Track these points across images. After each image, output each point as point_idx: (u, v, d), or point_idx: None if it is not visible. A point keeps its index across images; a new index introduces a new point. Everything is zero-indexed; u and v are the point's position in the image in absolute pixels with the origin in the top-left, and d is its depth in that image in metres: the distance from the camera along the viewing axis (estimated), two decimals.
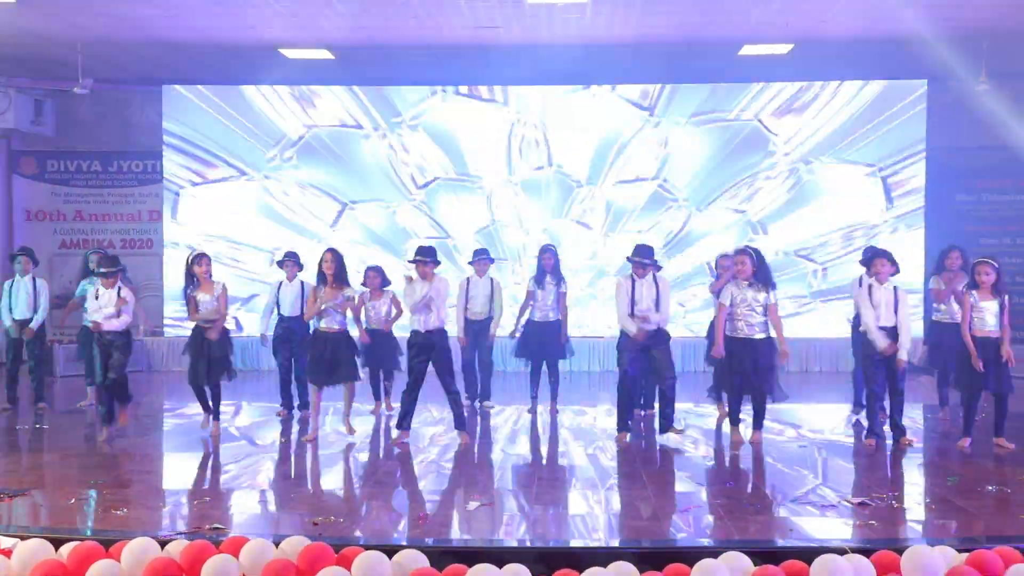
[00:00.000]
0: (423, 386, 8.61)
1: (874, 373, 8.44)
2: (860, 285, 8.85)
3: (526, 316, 10.43)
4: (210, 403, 8.97)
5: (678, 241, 14.67)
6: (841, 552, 4.81)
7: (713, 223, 14.66)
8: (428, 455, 8.25)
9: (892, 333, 8.36)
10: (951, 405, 9.72)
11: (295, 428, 9.46)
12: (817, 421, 10.20)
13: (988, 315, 8.12)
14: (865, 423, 8.75)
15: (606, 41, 12.20)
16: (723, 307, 8.45)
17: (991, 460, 7.89)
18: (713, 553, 4.86)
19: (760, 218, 14.67)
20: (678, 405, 8.78)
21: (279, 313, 10.16)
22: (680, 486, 7.35)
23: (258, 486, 7.18)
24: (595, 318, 14.38)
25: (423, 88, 14.61)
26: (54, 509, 6.40)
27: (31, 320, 10.36)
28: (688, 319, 14.34)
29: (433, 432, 9.05)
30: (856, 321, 9.56)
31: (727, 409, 9.14)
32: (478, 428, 9.56)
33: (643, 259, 8.57)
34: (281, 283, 10.22)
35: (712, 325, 9.82)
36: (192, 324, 9.04)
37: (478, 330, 10.42)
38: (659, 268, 8.78)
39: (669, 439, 8.57)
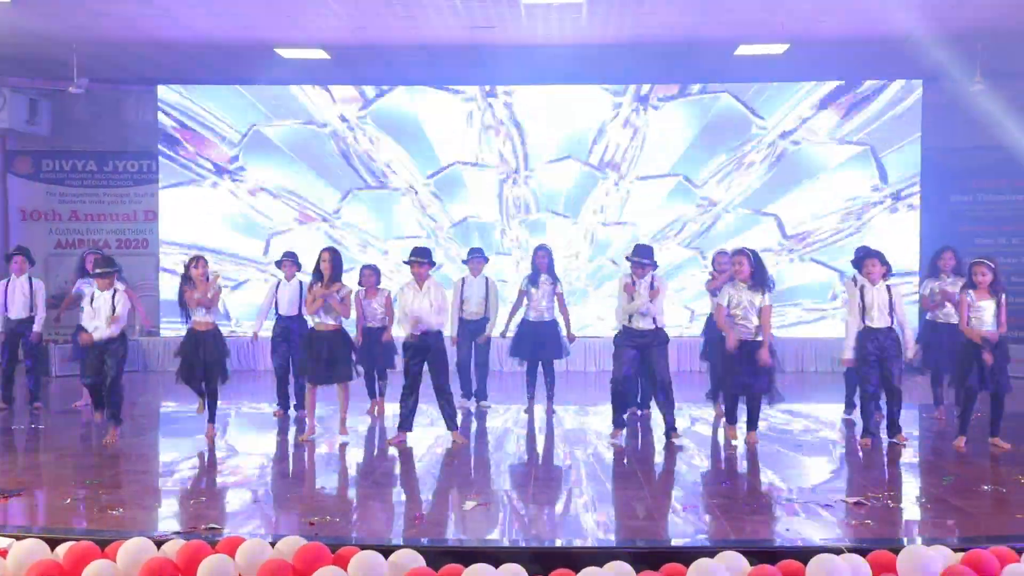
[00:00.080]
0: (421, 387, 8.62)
1: (868, 373, 8.45)
2: (855, 285, 8.85)
3: (519, 316, 10.44)
4: (206, 405, 8.94)
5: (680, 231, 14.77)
6: (837, 552, 4.81)
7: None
8: (424, 455, 8.25)
9: (887, 334, 8.38)
10: (946, 404, 9.74)
11: (291, 428, 9.46)
12: (813, 421, 10.21)
13: (985, 315, 8.12)
14: (859, 421, 8.77)
15: (601, 41, 12.21)
16: (721, 308, 8.46)
17: (987, 460, 7.90)
18: (709, 553, 4.85)
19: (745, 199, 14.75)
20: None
21: (277, 313, 10.16)
22: (676, 486, 7.35)
23: (254, 486, 7.16)
24: (592, 316, 14.38)
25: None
26: (50, 509, 6.39)
27: (27, 320, 10.35)
28: (694, 327, 14.17)
29: (429, 432, 9.05)
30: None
31: (724, 409, 9.15)
32: (474, 428, 9.56)
33: (642, 259, 8.58)
34: (279, 282, 10.22)
35: (708, 324, 9.86)
36: (186, 325, 9.01)
37: (473, 330, 10.42)
38: (656, 267, 8.78)
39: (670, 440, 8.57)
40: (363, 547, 4.90)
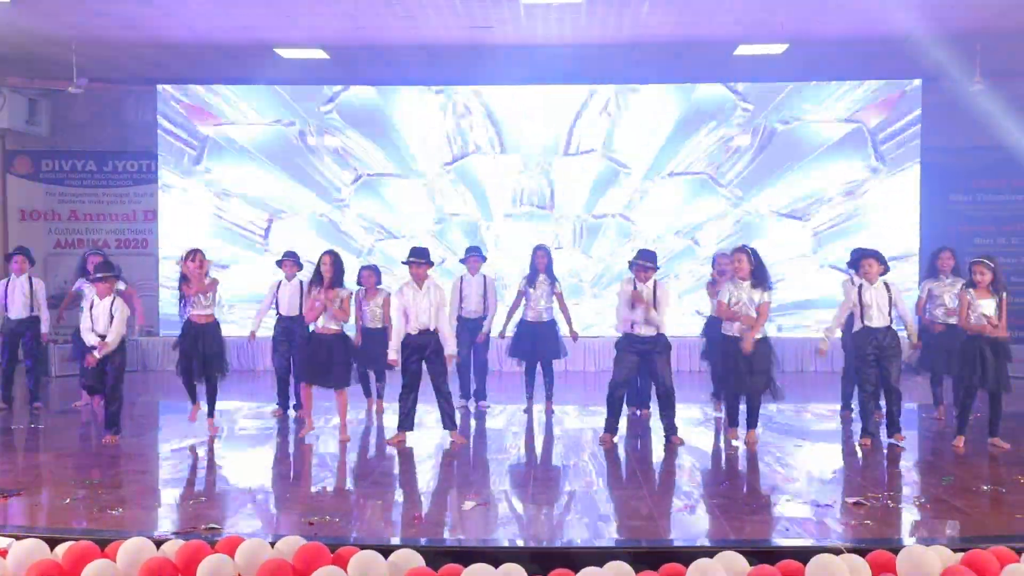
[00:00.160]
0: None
1: (867, 373, 8.45)
2: (852, 284, 8.87)
3: (517, 316, 10.44)
4: (204, 400, 8.94)
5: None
6: (837, 552, 4.82)
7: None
8: (424, 455, 8.26)
9: (885, 333, 8.38)
10: (946, 404, 9.74)
11: (291, 428, 9.45)
12: (813, 421, 10.22)
13: (985, 313, 8.12)
14: (857, 419, 8.77)
15: (601, 41, 12.21)
16: (722, 304, 8.45)
17: (986, 460, 7.90)
18: (709, 553, 4.86)
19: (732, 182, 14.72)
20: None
21: (277, 313, 10.15)
22: (676, 486, 7.36)
23: (254, 486, 7.16)
24: (590, 316, 14.38)
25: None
26: (49, 509, 6.40)
27: (27, 320, 10.35)
28: (693, 326, 14.16)
29: (429, 432, 9.04)
30: (850, 321, 9.58)
31: (724, 409, 9.16)
32: (474, 428, 9.57)
33: (646, 262, 8.57)
34: (280, 282, 10.21)
35: (708, 324, 9.87)
36: (184, 319, 9.03)
37: (472, 329, 10.42)
38: (657, 268, 8.77)
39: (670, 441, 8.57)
40: (362, 547, 4.90)
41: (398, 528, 6.03)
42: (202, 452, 8.40)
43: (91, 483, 6.98)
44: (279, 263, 10.33)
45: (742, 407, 8.63)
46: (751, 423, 8.55)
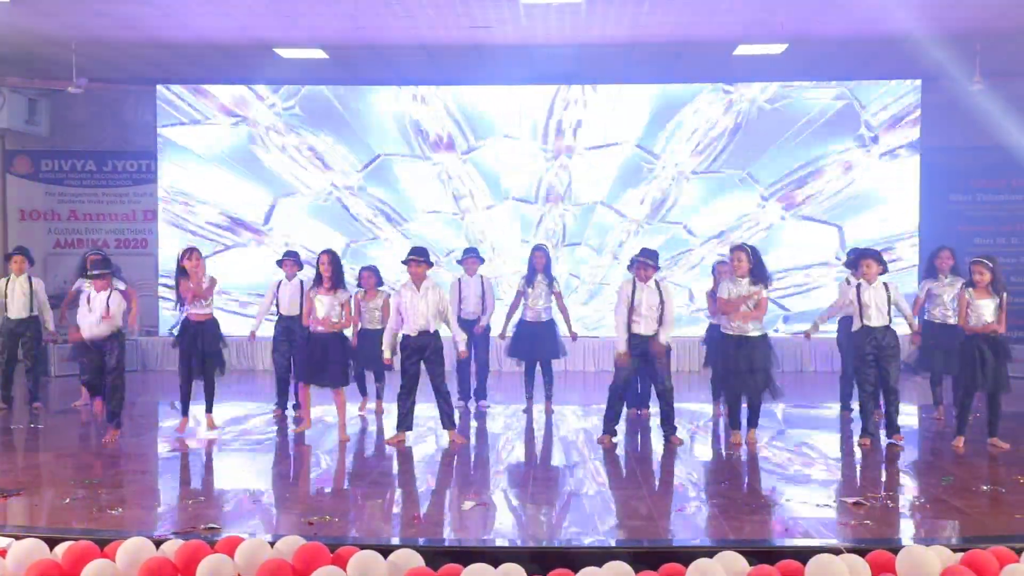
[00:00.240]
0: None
1: (866, 373, 8.45)
2: (849, 284, 8.87)
3: (516, 316, 10.44)
4: (202, 400, 8.95)
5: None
6: (836, 552, 4.82)
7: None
8: (423, 455, 8.26)
9: (884, 333, 8.38)
10: (945, 405, 9.74)
11: (290, 428, 9.45)
12: (812, 421, 10.22)
13: (985, 313, 8.12)
14: (857, 419, 8.77)
15: (600, 41, 12.20)
16: (722, 299, 8.43)
17: (985, 460, 7.90)
18: (708, 553, 4.86)
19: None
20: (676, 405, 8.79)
21: (278, 312, 10.15)
22: (676, 486, 7.36)
23: (253, 486, 7.16)
24: (591, 316, 14.39)
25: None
26: (49, 509, 6.39)
27: (26, 320, 10.35)
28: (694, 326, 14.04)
29: (428, 432, 9.05)
30: (845, 321, 9.60)
31: (723, 409, 9.15)
32: (473, 428, 9.56)
33: (647, 260, 8.56)
34: (280, 282, 10.20)
35: (709, 331, 9.87)
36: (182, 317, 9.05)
37: (468, 330, 10.42)
38: (658, 268, 8.75)
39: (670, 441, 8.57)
40: (362, 547, 4.91)
41: (397, 528, 6.02)
42: (202, 452, 8.39)
43: (90, 483, 6.98)
44: (279, 263, 10.32)
45: (742, 408, 8.63)
46: (752, 422, 8.55)
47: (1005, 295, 8.22)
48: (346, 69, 13.70)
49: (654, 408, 9.14)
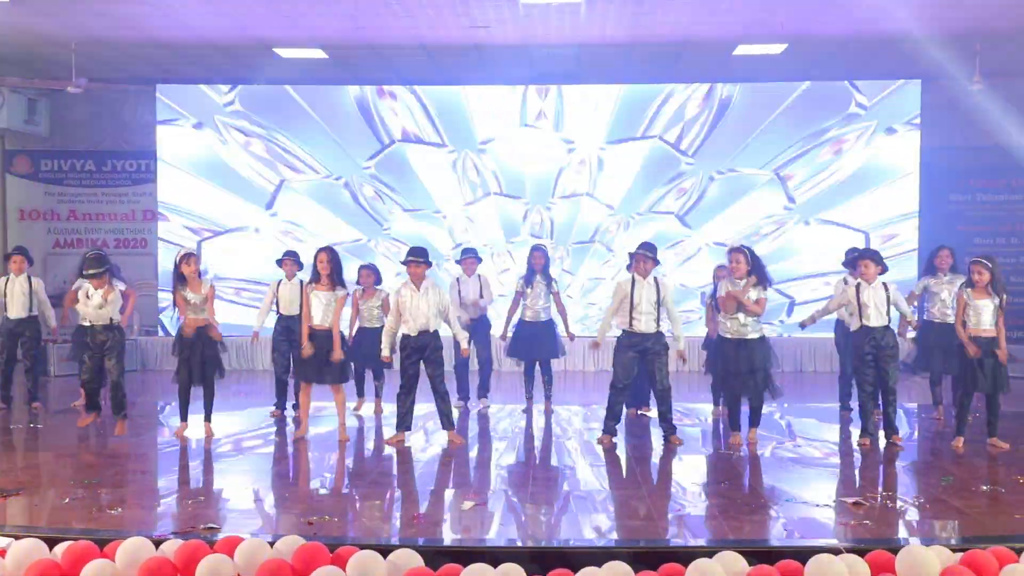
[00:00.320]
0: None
1: (865, 373, 8.45)
2: (846, 284, 8.86)
3: (516, 316, 10.44)
4: (191, 404, 8.93)
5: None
6: (836, 552, 4.82)
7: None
8: (422, 455, 8.26)
9: (883, 333, 8.37)
10: (945, 405, 9.74)
11: (289, 428, 9.45)
12: (811, 421, 10.22)
13: (984, 314, 8.12)
14: (856, 419, 8.77)
15: (600, 41, 12.21)
16: (721, 296, 8.41)
17: (985, 460, 7.90)
18: (708, 553, 4.86)
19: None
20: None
21: (277, 312, 10.13)
22: (675, 486, 7.35)
23: (252, 486, 7.17)
24: (591, 316, 14.39)
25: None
26: (49, 509, 6.38)
27: (26, 320, 10.35)
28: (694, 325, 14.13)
29: (427, 432, 9.05)
30: (842, 322, 9.60)
31: (722, 410, 9.14)
32: (473, 428, 9.56)
33: (647, 252, 8.53)
34: (280, 282, 10.19)
35: (708, 337, 9.87)
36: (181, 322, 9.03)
37: (471, 329, 10.40)
38: (658, 262, 8.74)
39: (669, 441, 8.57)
40: (361, 547, 4.90)
41: (397, 528, 6.02)
42: (201, 452, 8.39)
43: (90, 483, 6.97)
44: (279, 262, 10.30)
45: (742, 409, 8.62)
46: (753, 422, 8.54)
47: (1005, 296, 8.22)
48: (346, 69, 13.70)
49: (653, 412, 9.14)
